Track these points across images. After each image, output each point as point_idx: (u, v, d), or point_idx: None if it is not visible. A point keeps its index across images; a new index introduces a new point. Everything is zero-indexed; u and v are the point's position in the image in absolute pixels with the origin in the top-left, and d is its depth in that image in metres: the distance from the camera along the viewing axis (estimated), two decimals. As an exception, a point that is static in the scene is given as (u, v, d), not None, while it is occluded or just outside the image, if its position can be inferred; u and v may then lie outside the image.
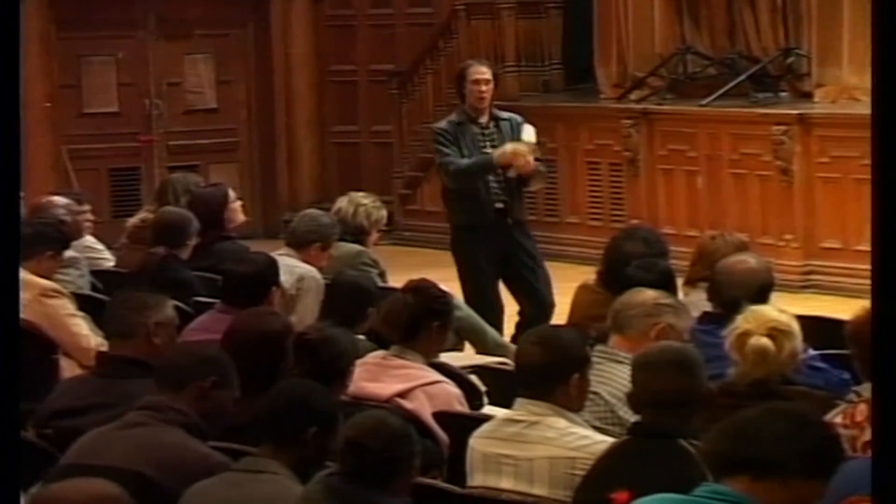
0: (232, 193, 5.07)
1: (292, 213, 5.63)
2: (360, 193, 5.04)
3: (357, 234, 4.84)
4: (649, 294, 3.28)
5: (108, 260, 5.06)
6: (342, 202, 4.93)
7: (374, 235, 4.93)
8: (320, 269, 4.47)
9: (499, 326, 4.92)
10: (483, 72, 5.17)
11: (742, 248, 3.86)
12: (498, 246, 5.11)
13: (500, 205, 5.10)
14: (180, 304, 3.77)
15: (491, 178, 5.10)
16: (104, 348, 3.29)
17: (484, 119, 5.17)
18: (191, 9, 8.88)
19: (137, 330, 3.10)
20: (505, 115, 5.25)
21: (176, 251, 4.53)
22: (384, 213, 5.00)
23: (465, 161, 5.12)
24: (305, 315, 4.15)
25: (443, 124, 5.23)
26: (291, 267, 4.36)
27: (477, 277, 5.10)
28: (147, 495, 2.49)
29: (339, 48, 9.24)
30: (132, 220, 5.21)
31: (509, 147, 5.07)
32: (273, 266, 3.89)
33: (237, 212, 5.02)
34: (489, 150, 5.11)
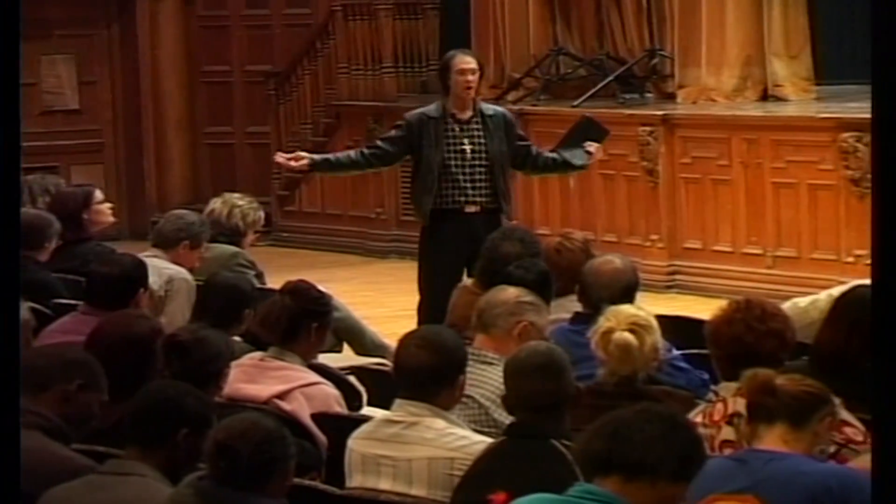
0: (99, 195, 4.92)
1: (161, 214, 5.50)
2: (236, 195, 4.95)
3: (232, 235, 4.75)
4: (511, 292, 3.27)
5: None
6: (216, 203, 4.84)
7: (251, 237, 4.85)
8: (191, 270, 4.38)
9: None
10: (468, 61, 4.83)
11: (586, 247, 3.88)
12: (469, 247, 4.61)
13: (473, 207, 4.76)
14: (37, 307, 3.64)
15: (465, 173, 4.75)
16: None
17: (467, 114, 4.78)
18: (50, 9, 8.63)
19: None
20: (491, 109, 4.91)
21: (32, 253, 4.39)
22: (261, 214, 4.92)
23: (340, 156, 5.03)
24: (175, 317, 4.06)
25: (411, 116, 4.88)
26: (160, 268, 4.26)
27: (433, 281, 4.71)
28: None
29: (213, 49, 9.09)
30: (-23, 222, 4.99)
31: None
32: (140, 267, 3.80)
33: (103, 213, 4.88)
34: (466, 147, 4.77)
